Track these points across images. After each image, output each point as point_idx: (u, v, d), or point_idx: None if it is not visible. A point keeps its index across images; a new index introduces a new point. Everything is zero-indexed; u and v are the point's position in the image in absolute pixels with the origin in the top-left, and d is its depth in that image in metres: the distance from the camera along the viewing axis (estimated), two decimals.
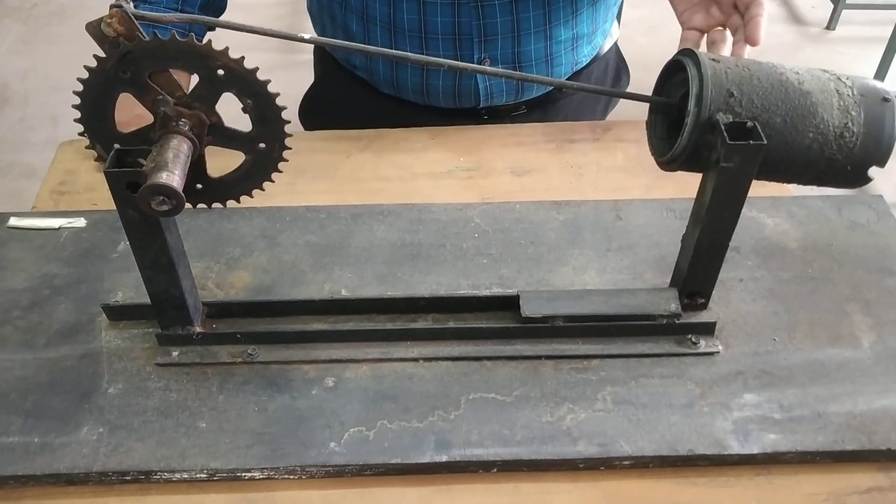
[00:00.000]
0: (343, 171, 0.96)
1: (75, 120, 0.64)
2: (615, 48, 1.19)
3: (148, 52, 0.60)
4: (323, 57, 1.17)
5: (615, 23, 1.17)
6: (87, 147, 0.66)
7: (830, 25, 3.08)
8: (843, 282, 0.80)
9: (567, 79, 1.08)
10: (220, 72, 0.61)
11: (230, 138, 0.66)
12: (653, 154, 0.71)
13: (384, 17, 0.97)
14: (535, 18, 0.97)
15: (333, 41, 0.70)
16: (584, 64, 1.09)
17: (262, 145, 0.66)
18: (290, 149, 0.67)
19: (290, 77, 1.43)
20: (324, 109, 1.19)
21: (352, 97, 1.12)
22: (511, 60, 1.00)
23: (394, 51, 0.67)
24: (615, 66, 1.19)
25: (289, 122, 0.66)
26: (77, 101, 0.63)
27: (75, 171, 0.95)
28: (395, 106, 1.08)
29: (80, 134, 0.65)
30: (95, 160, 0.67)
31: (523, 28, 0.98)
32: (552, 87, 1.07)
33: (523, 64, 1.01)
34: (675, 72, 0.68)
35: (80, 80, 0.62)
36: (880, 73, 2.51)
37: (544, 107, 1.11)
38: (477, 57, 0.99)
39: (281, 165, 0.68)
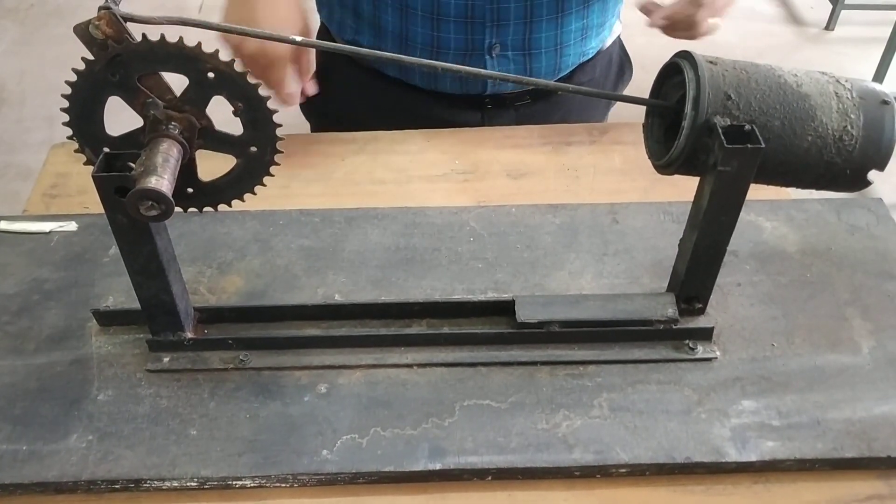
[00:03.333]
0: (338, 174, 0.95)
1: (64, 123, 0.63)
2: (619, 42, 1.18)
3: (137, 55, 0.59)
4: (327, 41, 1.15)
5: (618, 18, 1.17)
6: (75, 151, 0.65)
7: (829, 26, 3.07)
8: (843, 286, 0.79)
9: (573, 70, 1.08)
10: (211, 75, 0.61)
11: (221, 142, 0.65)
12: (650, 157, 0.71)
13: None
14: (549, 5, 0.97)
15: (326, 43, 0.69)
16: (591, 56, 1.09)
17: (253, 149, 0.65)
18: (282, 152, 0.66)
19: None
20: (327, 97, 1.18)
21: (356, 83, 1.11)
22: (522, 47, 1.00)
23: (395, 54, 0.66)
24: (619, 61, 1.19)
25: (280, 125, 0.65)
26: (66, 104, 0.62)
27: (67, 174, 0.94)
28: (400, 91, 1.07)
29: (69, 137, 0.64)
30: (85, 164, 0.66)
31: (536, 14, 0.97)
32: (558, 78, 1.07)
33: (533, 52, 1.01)
34: (672, 74, 0.67)
35: (68, 82, 0.61)
36: (879, 74, 2.50)
37: (547, 98, 1.10)
38: (488, 42, 0.98)
39: (274, 168, 0.67)
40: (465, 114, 1.07)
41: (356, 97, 1.12)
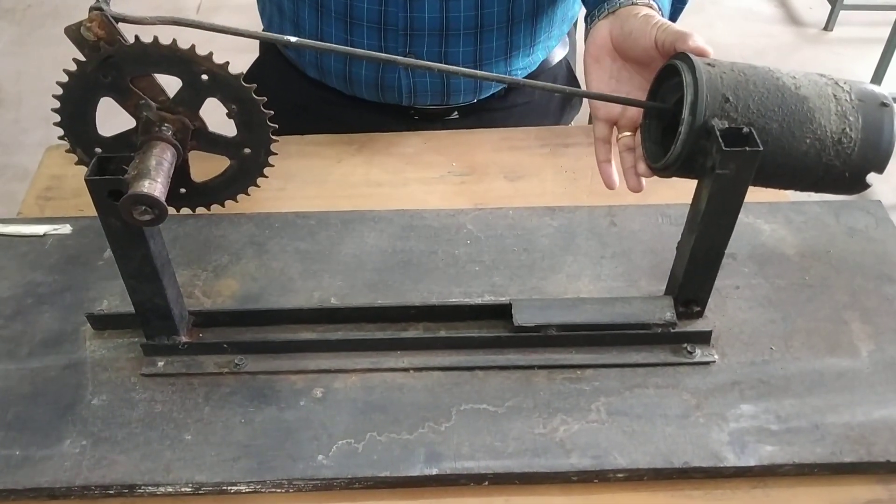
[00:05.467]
0: (334, 176, 0.94)
1: (55, 123, 0.63)
2: (565, 63, 1.12)
3: (130, 57, 0.59)
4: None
5: (566, 38, 1.11)
6: (67, 151, 0.64)
7: (828, 26, 3.07)
8: (842, 289, 0.78)
9: (506, 90, 1.03)
10: (204, 77, 0.60)
11: (214, 143, 0.64)
12: (647, 160, 0.70)
13: None
14: (467, 20, 0.92)
15: (317, 43, 0.68)
16: (521, 77, 1.02)
17: (247, 150, 0.65)
18: (276, 154, 0.65)
19: None
20: (262, 88, 1.16)
21: (284, 80, 1.08)
22: (437, 60, 0.95)
23: (393, 56, 0.65)
24: (565, 83, 1.12)
25: (275, 126, 0.65)
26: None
27: (62, 176, 0.93)
28: (321, 93, 1.05)
29: (60, 138, 0.64)
30: (77, 164, 0.65)
31: (452, 27, 0.93)
32: (485, 96, 1.03)
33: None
34: (670, 75, 0.67)
35: (59, 83, 0.61)
36: (878, 74, 2.49)
37: (478, 115, 1.06)
38: (401, 51, 0.95)
39: (271, 170, 0.67)
40: (390, 125, 1.03)
41: (283, 92, 1.06)
